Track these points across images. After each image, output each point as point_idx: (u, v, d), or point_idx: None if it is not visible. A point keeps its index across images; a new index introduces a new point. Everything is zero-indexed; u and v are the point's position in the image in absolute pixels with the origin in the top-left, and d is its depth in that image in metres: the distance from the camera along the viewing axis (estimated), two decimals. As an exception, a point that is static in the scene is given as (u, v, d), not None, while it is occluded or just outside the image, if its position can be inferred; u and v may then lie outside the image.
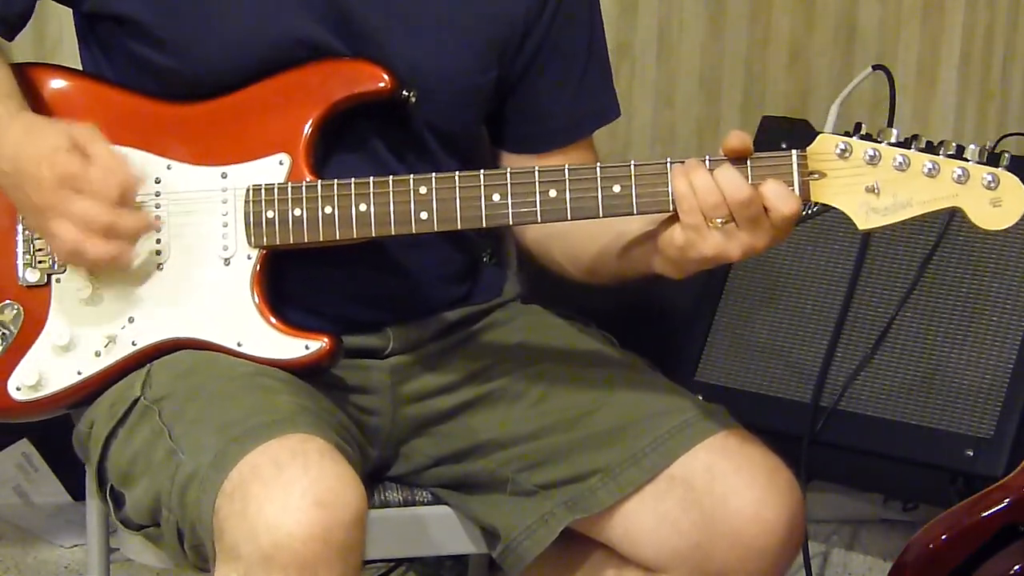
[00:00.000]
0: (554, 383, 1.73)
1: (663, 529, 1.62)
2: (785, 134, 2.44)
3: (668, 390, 1.72)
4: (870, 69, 2.52)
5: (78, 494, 2.54)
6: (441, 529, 1.77)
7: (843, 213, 2.41)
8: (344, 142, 1.68)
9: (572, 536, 1.67)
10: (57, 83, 1.71)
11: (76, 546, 2.60)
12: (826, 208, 2.41)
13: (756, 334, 2.41)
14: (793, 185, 1.51)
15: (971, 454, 2.20)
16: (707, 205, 1.48)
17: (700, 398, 1.72)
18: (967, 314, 2.28)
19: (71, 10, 1.74)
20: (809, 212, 2.45)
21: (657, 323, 2.57)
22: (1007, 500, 1.77)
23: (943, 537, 1.78)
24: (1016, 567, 1.72)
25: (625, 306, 2.50)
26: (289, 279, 1.67)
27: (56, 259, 1.64)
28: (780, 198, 1.49)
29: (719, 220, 1.49)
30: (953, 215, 2.30)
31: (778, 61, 2.97)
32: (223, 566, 1.44)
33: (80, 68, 1.76)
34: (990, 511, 1.77)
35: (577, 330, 1.83)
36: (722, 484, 1.60)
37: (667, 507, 1.62)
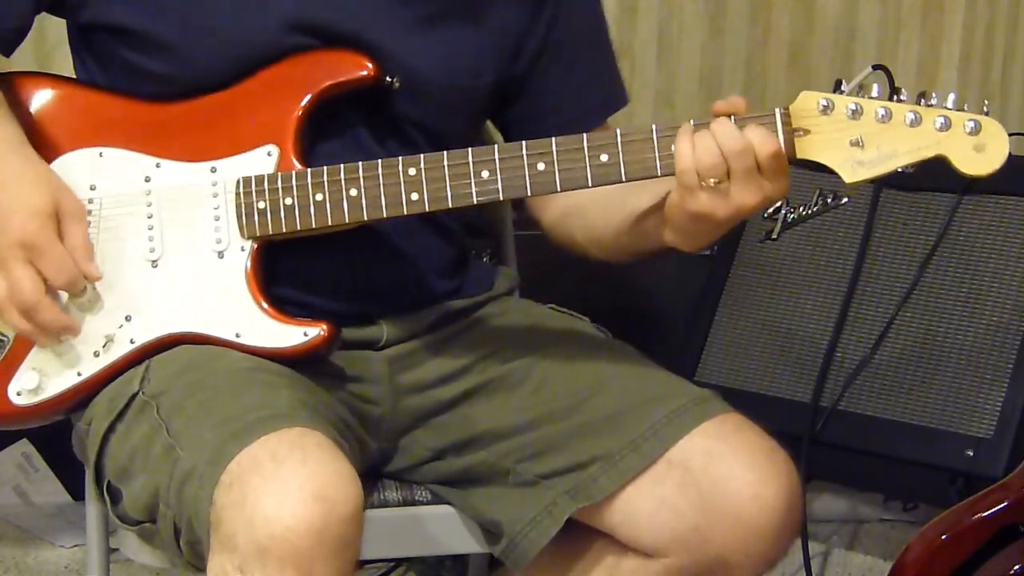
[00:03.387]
0: (550, 372, 1.74)
1: (662, 513, 1.62)
2: (785, 134, 2.44)
3: (663, 376, 1.73)
4: (870, 69, 2.52)
5: (78, 494, 2.54)
6: (441, 528, 1.77)
7: (843, 213, 2.42)
8: (331, 132, 1.69)
9: (570, 525, 1.67)
10: (45, 91, 1.71)
11: (76, 546, 2.60)
12: (826, 208, 2.43)
13: (756, 334, 2.41)
14: (777, 136, 1.52)
15: (971, 454, 2.20)
16: (704, 165, 1.51)
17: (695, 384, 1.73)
18: (967, 314, 2.28)
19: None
20: (809, 212, 2.45)
21: (657, 323, 2.57)
22: (1007, 500, 1.77)
23: (943, 537, 1.78)
24: (1016, 567, 1.72)
25: (624, 306, 2.51)
26: (281, 275, 1.68)
27: None
28: (760, 138, 1.51)
29: (712, 180, 1.50)
30: (954, 215, 2.32)
31: (778, 61, 2.97)
32: (218, 556, 1.44)
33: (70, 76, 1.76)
34: (990, 511, 1.77)
35: (570, 322, 1.84)
36: (719, 466, 1.61)
37: (665, 491, 1.62)
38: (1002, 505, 1.77)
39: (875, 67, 2.49)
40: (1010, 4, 3.01)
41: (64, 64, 1.79)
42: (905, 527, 2.66)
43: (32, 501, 2.71)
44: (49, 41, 2.48)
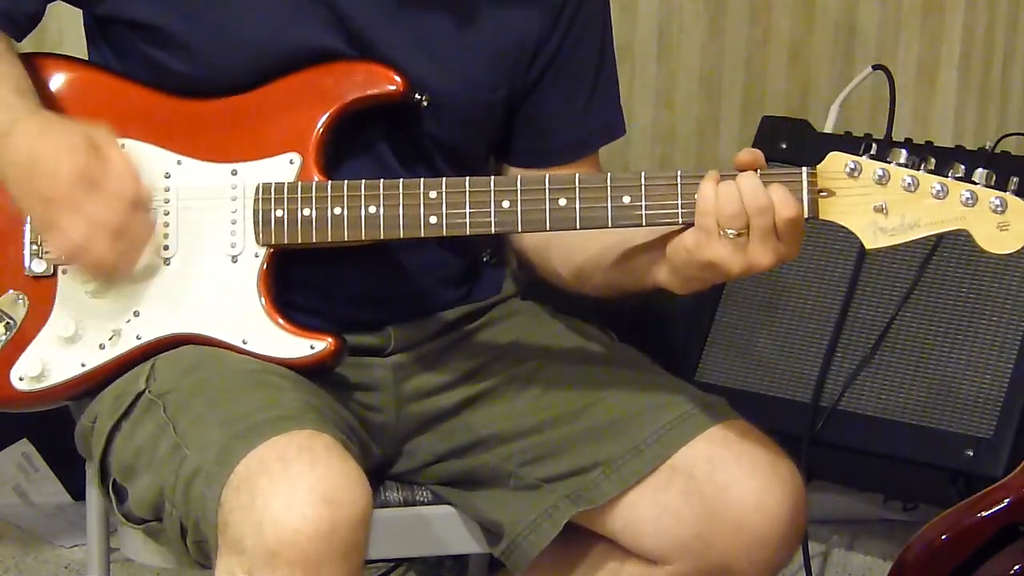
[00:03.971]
0: (554, 377, 1.74)
1: (665, 520, 1.62)
2: (785, 134, 2.44)
3: (668, 382, 1.73)
4: (870, 69, 2.52)
5: (78, 494, 2.54)
6: (442, 528, 1.77)
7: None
8: (354, 146, 1.68)
9: (573, 530, 1.67)
10: (68, 74, 1.71)
11: (76, 546, 2.60)
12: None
13: (756, 334, 2.41)
14: (802, 202, 1.51)
15: (971, 454, 2.20)
16: (724, 214, 1.49)
17: (695, 385, 1.73)
18: (967, 314, 2.28)
19: (73, 11, 1.74)
20: (809, 212, 2.45)
21: (657, 323, 2.57)
22: (1007, 500, 1.77)
23: (943, 537, 1.78)
24: (1016, 567, 1.72)
25: (625, 306, 2.50)
26: (292, 279, 1.67)
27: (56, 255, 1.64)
28: (781, 201, 1.49)
29: (731, 232, 1.49)
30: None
31: (778, 61, 2.97)
32: (226, 558, 1.44)
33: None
34: (990, 511, 1.77)
35: (576, 325, 1.84)
36: (723, 474, 1.61)
37: (669, 498, 1.63)
38: (1002, 505, 1.77)
39: (875, 67, 2.49)
40: (1010, 4, 3.01)
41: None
42: (905, 527, 2.66)
43: (32, 501, 2.71)
44: (51, 38, 2.48)
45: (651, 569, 1.65)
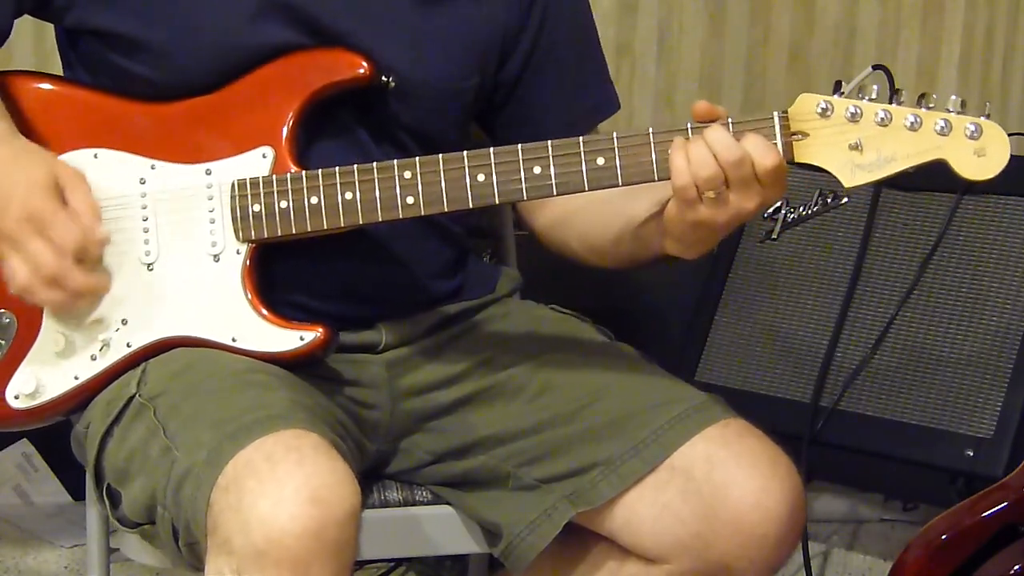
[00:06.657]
0: (552, 376, 1.74)
1: (664, 519, 1.62)
2: (785, 134, 2.44)
3: (666, 381, 1.73)
4: (870, 69, 2.52)
5: (78, 494, 2.54)
6: (441, 529, 1.77)
7: (843, 213, 2.42)
8: (327, 133, 1.68)
9: (572, 529, 1.67)
10: (39, 90, 1.70)
11: (76, 546, 2.60)
12: (826, 208, 2.43)
13: (756, 334, 2.41)
14: (777, 147, 1.51)
15: (971, 454, 2.20)
16: (701, 178, 1.50)
17: (695, 385, 1.72)
18: (967, 314, 2.28)
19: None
20: (809, 212, 2.45)
21: (656, 324, 2.57)
22: (1007, 500, 1.77)
23: (943, 537, 1.78)
24: (1016, 567, 1.72)
25: (625, 306, 2.50)
26: (278, 279, 1.67)
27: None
28: (760, 150, 1.50)
29: (711, 193, 1.50)
30: (954, 215, 2.32)
31: (778, 61, 2.97)
32: (216, 559, 1.44)
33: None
34: (990, 511, 1.77)
35: (573, 324, 1.83)
36: (722, 473, 1.61)
37: (668, 497, 1.62)
38: (1002, 505, 1.77)
39: (875, 67, 2.49)
40: (1010, 4, 3.02)
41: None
42: (905, 527, 2.66)
43: (32, 501, 2.71)
44: (49, 41, 2.48)
45: (650, 568, 1.65)
